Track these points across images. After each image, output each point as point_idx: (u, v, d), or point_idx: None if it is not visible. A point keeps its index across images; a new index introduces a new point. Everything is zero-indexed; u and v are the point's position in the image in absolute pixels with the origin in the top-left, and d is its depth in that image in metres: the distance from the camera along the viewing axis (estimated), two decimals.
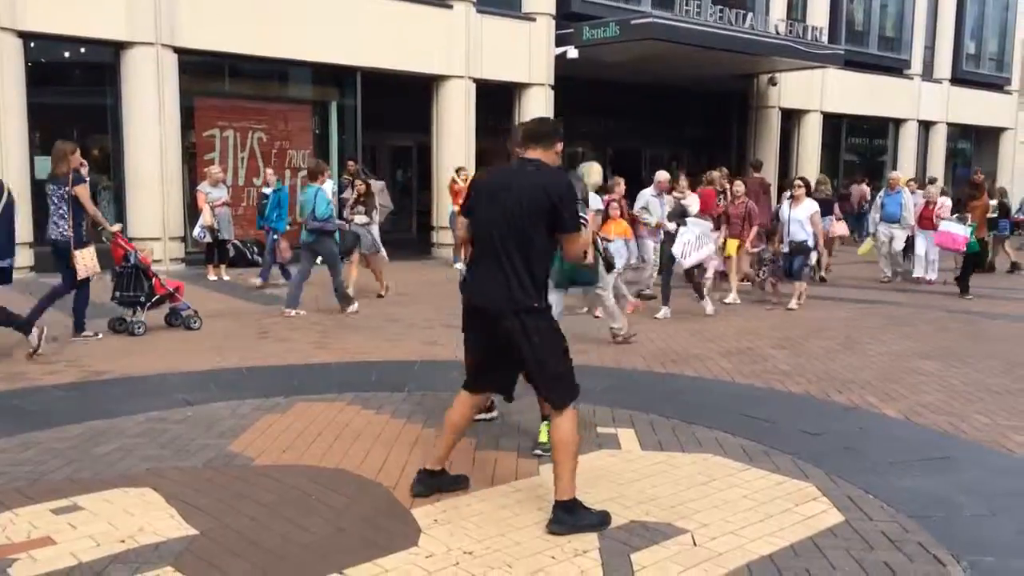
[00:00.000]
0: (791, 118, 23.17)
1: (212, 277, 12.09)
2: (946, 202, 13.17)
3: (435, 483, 4.10)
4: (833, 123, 24.33)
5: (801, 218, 10.49)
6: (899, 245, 13.58)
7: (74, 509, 3.82)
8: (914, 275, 13.46)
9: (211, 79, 14.30)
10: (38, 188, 12.47)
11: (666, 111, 22.05)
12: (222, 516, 3.77)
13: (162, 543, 3.49)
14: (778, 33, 19.06)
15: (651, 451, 4.85)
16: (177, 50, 12.88)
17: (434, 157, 16.46)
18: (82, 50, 13.02)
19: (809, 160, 23.26)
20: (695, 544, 3.61)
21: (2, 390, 6.00)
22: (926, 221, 13.00)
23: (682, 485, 4.29)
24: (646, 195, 11.28)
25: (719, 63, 18.71)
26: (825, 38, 20.67)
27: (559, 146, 4.01)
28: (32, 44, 12.04)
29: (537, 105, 17.14)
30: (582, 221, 4.05)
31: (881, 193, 14.13)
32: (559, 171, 4.00)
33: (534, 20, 16.96)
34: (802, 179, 11.19)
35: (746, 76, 21.78)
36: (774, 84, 22.06)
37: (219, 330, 8.42)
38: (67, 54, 13.22)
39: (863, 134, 26.46)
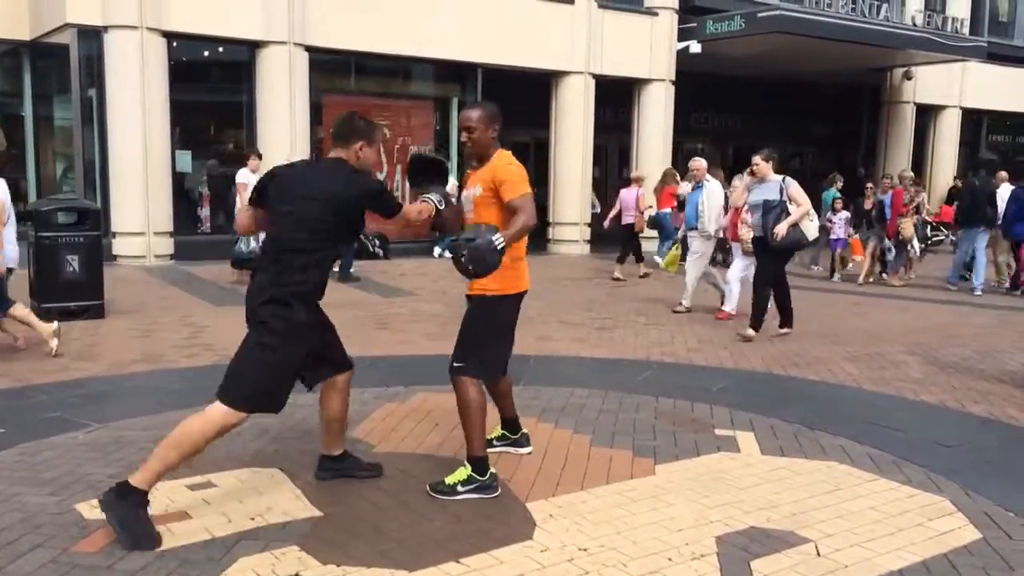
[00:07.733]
0: (927, 114, 22.06)
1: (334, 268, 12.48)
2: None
3: (337, 467, 4.15)
4: (973, 120, 23.03)
5: None
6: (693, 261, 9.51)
7: (208, 486, 4.02)
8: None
9: (338, 76, 14.78)
10: (178, 180, 13.23)
11: (790, 107, 21.40)
12: (345, 499, 3.89)
13: (289, 523, 3.63)
14: (915, 25, 18.21)
15: (772, 456, 4.71)
16: (308, 48, 13.36)
17: (551, 153, 16.49)
18: (220, 49, 13.67)
19: (946, 159, 22.11)
20: (819, 554, 3.49)
21: (143, 371, 6.37)
22: (732, 229, 9.00)
23: (805, 493, 4.14)
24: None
25: (850, 57, 18.02)
26: (966, 30, 19.61)
27: (358, 145, 3.85)
28: (175, 43, 12.71)
29: (657, 101, 16.95)
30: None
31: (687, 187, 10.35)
32: (351, 173, 3.83)
33: (656, 15, 16.76)
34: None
35: (878, 70, 20.88)
36: (909, 78, 21.06)
37: (340, 320, 8.67)
38: (206, 53, 13.90)
39: (1006, 131, 24.92)
